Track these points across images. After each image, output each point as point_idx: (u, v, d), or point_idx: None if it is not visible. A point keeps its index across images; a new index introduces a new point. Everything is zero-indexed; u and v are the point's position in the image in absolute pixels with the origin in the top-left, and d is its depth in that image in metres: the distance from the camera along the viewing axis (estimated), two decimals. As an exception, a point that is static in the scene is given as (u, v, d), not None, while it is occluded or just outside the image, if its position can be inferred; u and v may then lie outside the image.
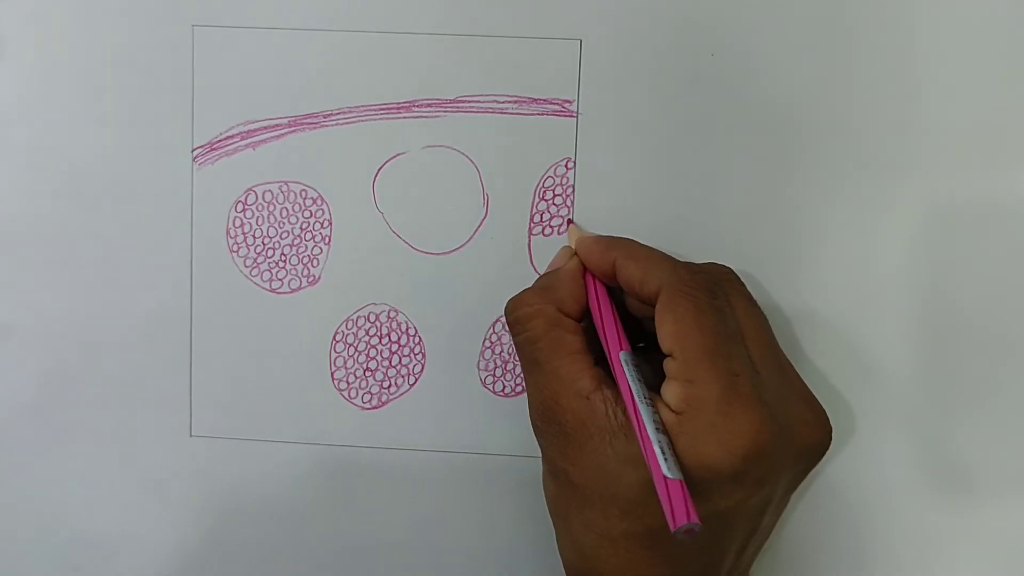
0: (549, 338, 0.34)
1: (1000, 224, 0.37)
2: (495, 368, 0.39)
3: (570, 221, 0.38)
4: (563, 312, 0.35)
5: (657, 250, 0.35)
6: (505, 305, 0.36)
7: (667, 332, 0.32)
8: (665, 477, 0.30)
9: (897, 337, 0.38)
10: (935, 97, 0.37)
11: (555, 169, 0.38)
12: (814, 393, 0.35)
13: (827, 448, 0.35)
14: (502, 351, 0.39)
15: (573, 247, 0.37)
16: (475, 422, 0.40)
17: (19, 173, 0.40)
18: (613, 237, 0.36)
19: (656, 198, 0.38)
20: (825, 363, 0.38)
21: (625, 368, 0.33)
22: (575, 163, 0.38)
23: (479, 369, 0.40)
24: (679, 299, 0.32)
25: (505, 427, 0.39)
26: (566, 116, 0.38)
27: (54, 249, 0.40)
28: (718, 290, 0.33)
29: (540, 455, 0.35)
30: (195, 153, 0.40)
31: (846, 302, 0.38)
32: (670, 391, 0.32)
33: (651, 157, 0.38)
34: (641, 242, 0.36)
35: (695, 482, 0.31)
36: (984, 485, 0.38)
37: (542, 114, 0.38)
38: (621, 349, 0.33)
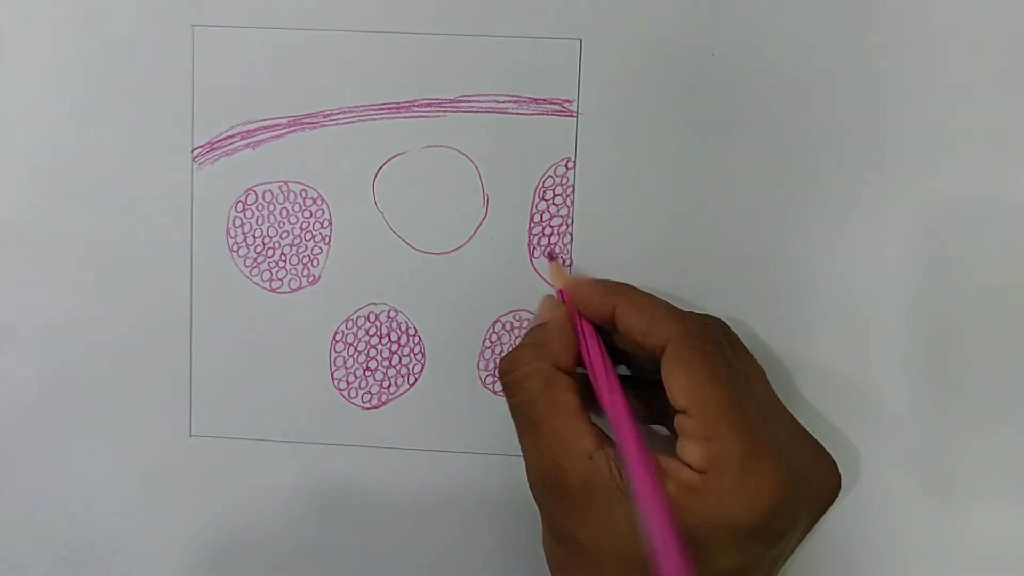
0: (546, 399, 0.33)
1: (1000, 227, 0.37)
2: (495, 368, 0.39)
3: (551, 256, 0.38)
4: (558, 367, 0.34)
5: (658, 298, 0.35)
6: (499, 365, 0.35)
7: (679, 388, 0.31)
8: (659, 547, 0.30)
9: (892, 341, 0.38)
10: (935, 97, 0.37)
11: (555, 169, 0.38)
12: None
13: (838, 494, 0.35)
14: (502, 351, 0.39)
15: (557, 286, 0.37)
16: (475, 422, 0.40)
17: (19, 173, 0.40)
18: (612, 283, 0.36)
19: (656, 198, 0.38)
20: (826, 366, 0.38)
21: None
22: (575, 163, 0.38)
23: (479, 369, 0.40)
24: (689, 353, 0.32)
25: (505, 427, 0.38)
26: (566, 116, 0.38)
27: (54, 249, 0.40)
28: (724, 341, 0.33)
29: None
30: (195, 153, 0.40)
31: (847, 299, 0.38)
32: (689, 450, 0.31)
33: (651, 157, 0.38)
34: (640, 289, 0.35)
35: (717, 540, 0.30)
36: (986, 500, 0.38)
37: (542, 114, 0.38)
38: (613, 405, 0.33)
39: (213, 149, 0.39)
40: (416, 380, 0.40)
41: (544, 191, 0.39)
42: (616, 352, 0.36)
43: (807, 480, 0.33)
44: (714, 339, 0.33)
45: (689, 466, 0.31)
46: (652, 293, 0.35)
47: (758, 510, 0.30)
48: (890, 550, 0.39)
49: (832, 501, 0.35)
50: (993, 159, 0.37)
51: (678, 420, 0.32)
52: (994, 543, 0.38)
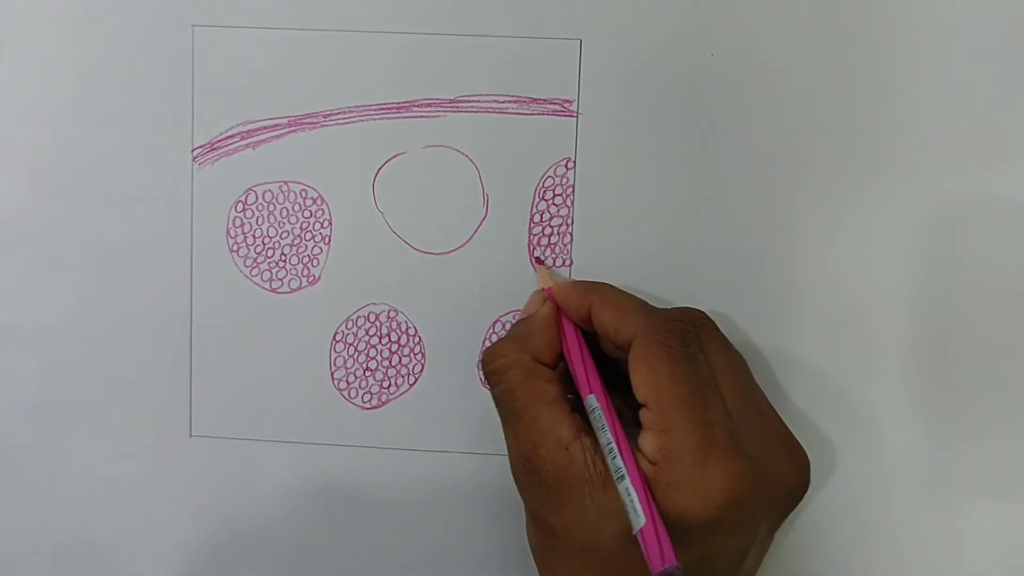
0: (525, 388, 0.34)
1: (1000, 227, 0.37)
2: (495, 368, 0.39)
3: (539, 260, 0.38)
4: (538, 360, 0.35)
5: (633, 296, 0.35)
6: (481, 356, 0.36)
7: (641, 382, 0.32)
8: (642, 528, 0.30)
9: (891, 341, 0.38)
10: (935, 97, 0.37)
11: (555, 169, 0.38)
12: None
13: (805, 490, 0.35)
14: (502, 351, 0.39)
15: (542, 288, 0.37)
16: (475, 422, 0.40)
17: (19, 173, 0.40)
18: (590, 282, 0.36)
19: (656, 198, 0.38)
20: (825, 365, 0.38)
21: (591, 415, 0.33)
22: (575, 163, 0.38)
23: (479, 369, 0.40)
24: (653, 348, 0.32)
25: (505, 427, 0.39)
26: (566, 116, 0.38)
27: (54, 249, 0.40)
28: (691, 337, 0.33)
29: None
30: (195, 153, 0.40)
31: (847, 299, 0.38)
32: (646, 441, 0.32)
33: (651, 157, 0.38)
34: (616, 287, 0.36)
35: (674, 531, 0.31)
36: (984, 501, 0.38)
37: (542, 114, 0.38)
38: (591, 393, 0.33)
39: (213, 149, 0.39)
40: (416, 380, 0.40)
41: (544, 191, 0.39)
42: (608, 361, 0.36)
43: (771, 476, 0.33)
44: (679, 334, 0.33)
45: (646, 457, 0.32)
46: (635, 292, 0.36)
47: (709, 504, 0.31)
48: (885, 550, 0.39)
49: (799, 497, 0.34)
50: (993, 159, 0.37)
51: (640, 413, 0.32)
52: (991, 544, 0.38)
